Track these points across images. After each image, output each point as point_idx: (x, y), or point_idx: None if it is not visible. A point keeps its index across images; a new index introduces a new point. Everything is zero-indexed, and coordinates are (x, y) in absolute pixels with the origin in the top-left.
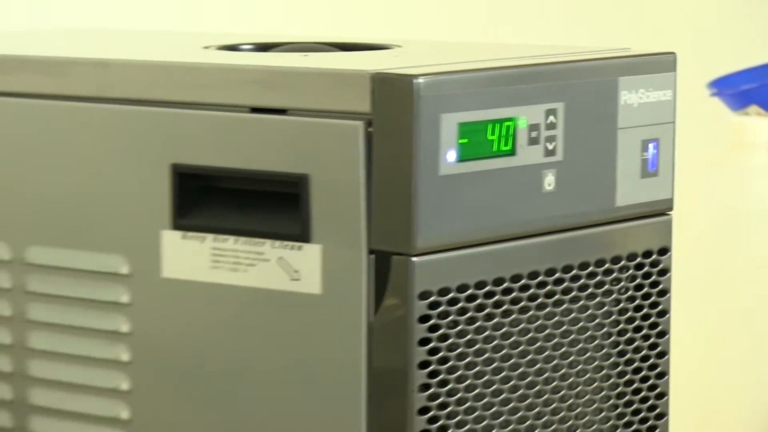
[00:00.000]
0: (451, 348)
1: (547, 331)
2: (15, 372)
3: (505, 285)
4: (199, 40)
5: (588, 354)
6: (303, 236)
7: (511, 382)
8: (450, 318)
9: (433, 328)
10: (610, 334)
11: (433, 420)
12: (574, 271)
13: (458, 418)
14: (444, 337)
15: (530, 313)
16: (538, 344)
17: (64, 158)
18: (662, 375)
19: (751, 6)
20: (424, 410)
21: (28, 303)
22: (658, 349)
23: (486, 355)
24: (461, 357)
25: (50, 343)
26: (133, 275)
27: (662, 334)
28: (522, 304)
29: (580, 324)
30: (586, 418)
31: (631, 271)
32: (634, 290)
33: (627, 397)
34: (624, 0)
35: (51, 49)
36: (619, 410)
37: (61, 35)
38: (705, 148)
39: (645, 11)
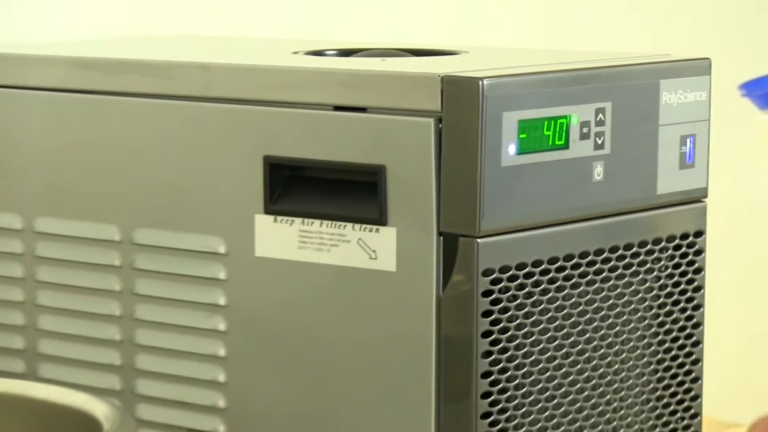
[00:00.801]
0: (510, 319)
1: (595, 305)
2: (123, 340)
3: (558, 264)
4: (288, 46)
5: (631, 325)
6: (380, 220)
7: (564, 350)
8: (510, 293)
9: (495, 302)
10: (650, 308)
11: (494, 383)
12: (619, 252)
13: (517, 381)
14: (504, 310)
15: (581, 288)
16: (587, 316)
17: (169, 151)
18: (697, 344)
19: None
20: (486, 374)
21: (135, 279)
22: (693, 320)
23: (541, 326)
24: (519, 327)
25: (155, 315)
26: (230, 254)
27: (697, 307)
28: (574, 280)
29: (625, 299)
30: (629, 381)
31: (670, 252)
32: (672, 268)
33: (665, 363)
34: (666, 11)
35: (158, 53)
36: (658, 375)
37: (164, 41)
38: (736, 142)
39: (684, 21)
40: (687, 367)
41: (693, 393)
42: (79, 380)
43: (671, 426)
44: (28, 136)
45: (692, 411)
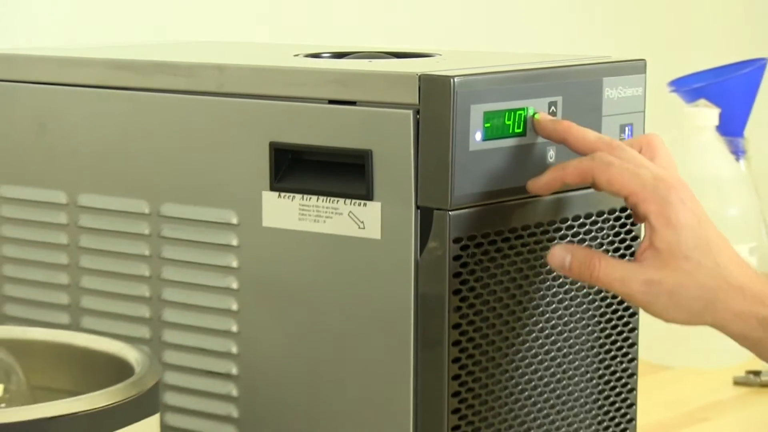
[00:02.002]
0: (476, 280)
1: (547, 267)
2: (152, 297)
3: (517, 233)
4: (290, 50)
5: (578, 283)
6: (367, 196)
7: (521, 305)
8: (476, 257)
9: (464, 265)
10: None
11: (463, 333)
12: (568, 222)
13: (482, 331)
14: (472, 272)
15: (536, 254)
16: (541, 276)
17: (190, 137)
18: (634, 314)
19: (698, 25)
20: (456, 325)
21: (162, 245)
22: None
23: (502, 285)
24: (484, 286)
25: (178, 275)
26: (241, 225)
27: None
28: (530, 247)
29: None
30: (572, 325)
31: (611, 222)
32: (613, 237)
33: (607, 316)
34: (609, 18)
35: (181, 56)
36: (601, 325)
37: (185, 46)
38: (667, 131)
39: (623, 28)
40: (625, 319)
41: (630, 341)
42: (114, 331)
43: (612, 368)
44: (73, 126)
45: (630, 356)
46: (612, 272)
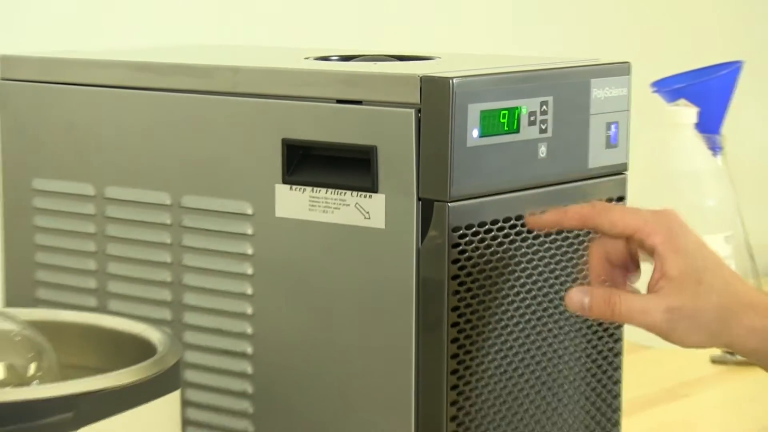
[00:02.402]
0: (473, 265)
1: (539, 254)
2: (173, 282)
3: (511, 222)
4: (300, 53)
5: (568, 269)
6: (372, 188)
7: (515, 289)
8: (473, 245)
9: (462, 252)
10: (583, 255)
11: (461, 315)
12: None
13: (478, 313)
14: (469, 258)
15: (528, 241)
16: (533, 263)
17: (208, 134)
18: None
19: (679, 30)
20: (455, 308)
21: (182, 234)
22: None
23: (497, 270)
24: (480, 272)
25: (197, 262)
26: (255, 215)
27: None
28: (523, 235)
29: (563, 249)
30: (563, 308)
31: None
32: None
33: None
34: (596, 24)
35: (198, 59)
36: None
37: (202, 49)
38: (649, 128)
39: (610, 32)
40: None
41: (616, 323)
42: (138, 313)
43: (599, 348)
44: (100, 123)
45: (616, 337)
46: (633, 306)
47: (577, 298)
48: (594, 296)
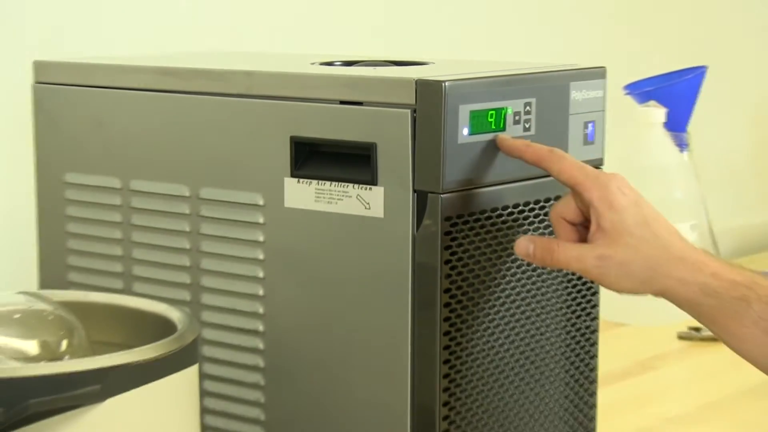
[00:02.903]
0: (464, 251)
1: (518, 236)
2: (191, 266)
3: (498, 212)
4: (307, 59)
5: None
6: (372, 181)
7: (501, 272)
8: (463, 233)
9: (453, 239)
10: None
11: (453, 296)
12: (541, 203)
13: (468, 294)
14: (460, 245)
15: (514, 229)
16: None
17: (224, 132)
18: None
19: (649, 38)
20: (447, 290)
21: (200, 222)
22: None
23: (485, 256)
24: (470, 257)
25: (214, 248)
26: (266, 206)
27: None
28: (508, 224)
29: (545, 236)
30: (543, 288)
31: None
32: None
33: (573, 281)
34: (574, 32)
35: (215, 64)
36: (568, 289)
37: (219, 55)
38: (622, 126)
39: (587, 39)
40: (588, 284)
41: (593, 303)
42: (160, 294)
43: (578, 326)
44: (126, 123)
45: (592, 315)
46: (568, 253)
47: (524, 245)
48: (537, 244)
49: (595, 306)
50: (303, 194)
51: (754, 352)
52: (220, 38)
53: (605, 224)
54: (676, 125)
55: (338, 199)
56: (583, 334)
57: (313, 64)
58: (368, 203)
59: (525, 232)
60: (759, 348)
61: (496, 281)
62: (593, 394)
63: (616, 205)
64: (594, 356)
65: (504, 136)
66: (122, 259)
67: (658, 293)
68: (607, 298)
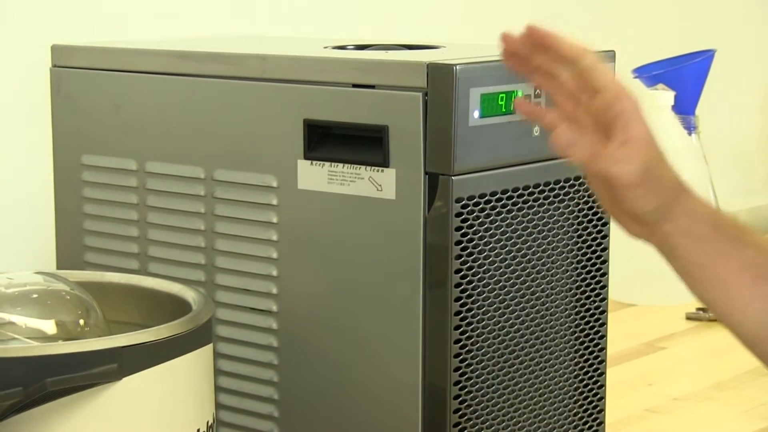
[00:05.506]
0: (475, 232)
1: (534, 223)
2: (206, 247)
3: (508, 194)
4: (320, 43)
5: (558, 236)
6: (384, 163)
7: (511, 254)
8: (474, 214)
9: (464, 221)
10: (572, 224)
11: (464, 276)
12: (551, 185)
13: (479, 275)
14: (470, 226)
15: (524, 211)
16: (528, 230)
17: (238, 115)
18: (605, 248)
19: (658, 21)
20: (458, 270)
21: (215, 204)
22: (602, 232)
23: (496, 237)
24: (481, 238)
25: (228, 229)
26: (280, 187)
27: (605, 223)
28: (519, 206)
29: (554, 218)
30: (553, 270)
31: (585, 185)
32: (587, 197)
33: (582, 263)
34: (583, 15)
35: (231, 48)
36: (577, 270)
37: (234, 39)
38: None
39: (596, 23)
40: (597, 265)
41: (602, 283)
42: (175, 275)
43: (587, 306)
44: (142, 105)
45: (601, 296)
46: (614, 152)
47: (566, 134)
48: (581, 138)
49: (605, 287)
50: (316, 176)
51: (734, 303)
52: (235, 22)
53: (640, 135)
54: (685, 108)
55: (351, 181)
56: (592, 315)
57: (326, 48)
58: (380, 185)
59: (535, 214)
60: (740, 295)
61: (507, 262)
62: (602, 374)
63: (646, 122)
64: (603, 336)
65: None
66: (138, 240)
67: (664, 220)
68: (616, 279)
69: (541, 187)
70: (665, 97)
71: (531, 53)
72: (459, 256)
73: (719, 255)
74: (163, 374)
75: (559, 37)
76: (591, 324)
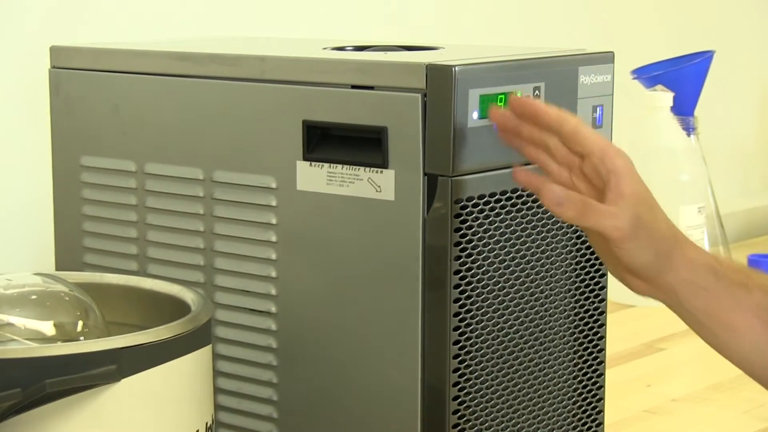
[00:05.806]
0: (473, 233)
1: (532, 224)
2: (205, 248)
3: (507, 195)
4: (319, 44)
5: (558, 237)
6: (383, 165)
7: (510, 255)
8: (473, 215)
9: (463, 221)
10: (572, 225)
11: (463, 277)
12: None
13: (478, 276)
14: (469, 227)
15: (523, 212)
16: (527, 231)
17: (238, 117)
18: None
19: (657, 22)
20: (457, 272)
21: (214, 205)
22: None
23: (495, 238)
24: (480, 239)
25: (228, 230)
26: (279, 188)
27: None
28: (518, 206)
29: (554, 218)
30: (552, 272)
31: None
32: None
33: (581, 264)
34: (583, 18)
35: (229, 49)
36: (576, 271)
37: (233, 40)
38: (630, 110)
39: (596, 25)
40: (596, 267)
41: (601, 284)
42: (174, 276)
43: (586, 307)
44: (141, 106)
45: (600, 297)
46: (602, 208)
47: (556, 192)
48: (570, 194)
49: (603, 288)
50: (315, 177)
51: (746, 346)
52: (234, 23)
53: (629, 190)
54: (684, 109)
55: (350, 182)
56: (591, 316)
57: (325, 49)
58: (379, 186)
59: (535, 216)
60: (753, 338)
61: (506, 264)
62: (601, 375)
63: (637, 177)
64: (602, 337)
65: (517, 99)
66: (137, 241)
67: (663, 271)
68: (614, 280)
69: None
70: (664, 98)
71: (518, 125)
72: (458, 257)
73: (726, 302)
74: (162, 375)
75: (540, 105)
76: (590, 325)
